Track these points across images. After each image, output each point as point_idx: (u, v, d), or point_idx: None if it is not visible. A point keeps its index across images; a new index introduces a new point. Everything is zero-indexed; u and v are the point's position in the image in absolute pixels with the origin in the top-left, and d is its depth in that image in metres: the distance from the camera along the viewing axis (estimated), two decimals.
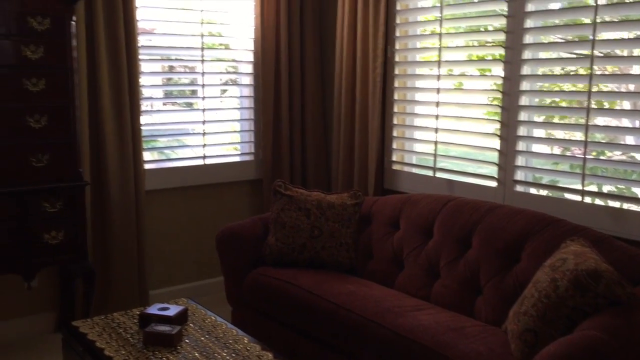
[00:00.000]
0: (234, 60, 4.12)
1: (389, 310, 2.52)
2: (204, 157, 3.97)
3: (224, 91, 4.18)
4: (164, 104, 4.02)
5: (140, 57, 3.54)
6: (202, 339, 2.31)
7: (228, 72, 4.15)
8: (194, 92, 4.02)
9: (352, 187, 3.76)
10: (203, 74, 3.90)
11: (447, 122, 3.43)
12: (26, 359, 3.13)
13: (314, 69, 4.16)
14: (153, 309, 2.42)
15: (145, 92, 3.75)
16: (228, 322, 2.48)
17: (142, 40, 3.60)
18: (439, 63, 3.40)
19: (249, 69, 4.10)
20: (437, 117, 3.44)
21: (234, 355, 2.17)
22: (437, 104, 3.43)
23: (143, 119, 3.60)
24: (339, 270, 3.06)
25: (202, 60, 3.88)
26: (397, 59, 3.67)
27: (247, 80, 4.13)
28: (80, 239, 3.08)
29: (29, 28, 2.83)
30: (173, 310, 2.42)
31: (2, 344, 3.23)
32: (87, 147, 3.34)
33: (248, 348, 2.23)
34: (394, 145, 3.75)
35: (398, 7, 3.62)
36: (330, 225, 3.08)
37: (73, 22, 3.00)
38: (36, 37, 2.85)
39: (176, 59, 3.99)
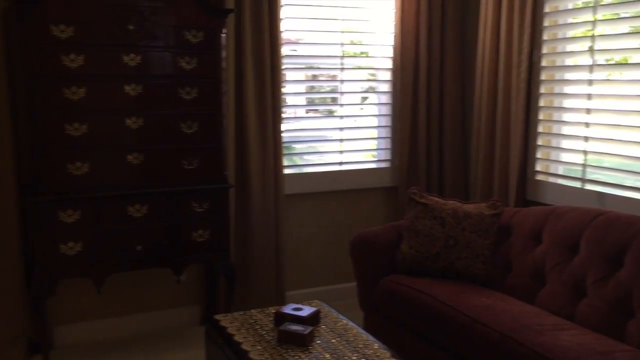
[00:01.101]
0: (372, 68, 4.15)
1: (528, 327, 2.39)
2: (341, 163, 4.04)
3: (365, 98, 4.23)
4: (307, 112, 4.16)
5: (284, 66, 3.70)
6: (333, 340, 2.34)
7: (367, 80, 4.20)
8: (334, 99, 4.11)
9: (491, 197, 3.62)
10: (342, 81, 3.98)
11: (599, 130, 3.19)
12: (172, 347, 3.37)
13: (454, 75, 4.07)
14: (287, 309, 2.50)
15: (289, 100, 3.90)
16: (359, 327, 2.49)
17: (286, 50, 3.75)
18: (591, 67, 3.18)
19: (388, 76, 4.11)
20: (587, 125, 3.21)
21: (363, 359, 2.18)
22: (588, 110, 3.21)
23: (284, 126, 3.75)
24: (474, 282, 2.95)
25: (342, 69, 3.96)
26: (543, 63, 3.48)
27: (385, 87, 4.15)
28: (223, 239, 3.27)
29: (184, 41, 3.06)
30: (306, 311, 2.48)
31: (152, 332, 3.52)
32: (232, 152, 3.54)
33: (378, 354, 2.23)
34: (538, 155, 3.55)
35: (547, 9, 3.44)
36: (466, 235, 2.99)
37: (223, 35, 3.19)
38: (191, 49, 3.08)
39: (318, 68, 4.10)
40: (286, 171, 3.82)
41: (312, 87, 4.19)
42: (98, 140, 2.94)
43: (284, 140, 3.78)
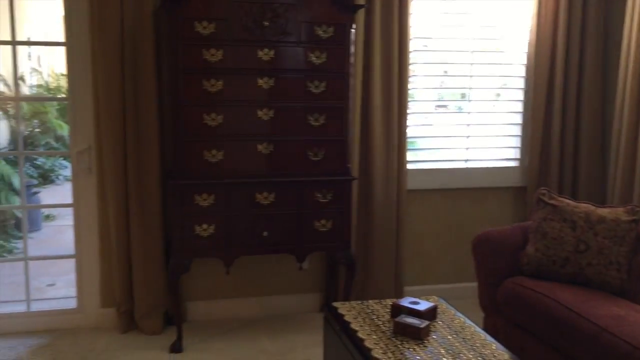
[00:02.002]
0: (505, 64, 4.02)
1: None
2: (467, 160, 3.96)
3: (498, 95, 4.11)
4: (436, 107, 4.12)
5: (412, 61, 3.70)
6: (449, 337, 2.32)
7: (498, 76, 4.07)
8: (463, 95, 4.04)
9: (631, 202, 3.38)
10: (472, 77, 3.90)
11: None
12: (294, 330, 3.51)
13: (594, 71, 3.84)
14: (405, 302, 2.51)
15: (417, 94, 3.89)
16: (477, 326, 2.45)
17: (415, 45, 3.74)
18: None
19: (521, 72, 3.96)
20: None
21: (480, 358, 2.14)
22: None
23: (410, 121, 3.75)
24: (606, 290, 2.78)
25: (472, 64, 3.88)
26: None
27: (518, 83, 4.00)
28: (345, 230, 3.34)
29: (315, 36, 3.16)
30: (423, 305, 2.48)
31: (274, 315, 3.69)
32: (357, 145, 3.60)
33: (495, 355, 2.18)
34: None
35: None
36: (599, 240, 2.82)
37: (353, 30, 3.26)
38: (321, 44, 3.17)
39: (447, 63, 4.05)
40: (410, 166, 3.82)
41: (442, 82, 4.14)
42: (232, 130, 3.13)
43: (409, 135, 3.78)
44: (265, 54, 3.11)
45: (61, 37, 3.37)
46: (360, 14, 3.46)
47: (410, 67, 3.71)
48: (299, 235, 3.27)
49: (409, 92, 3.72)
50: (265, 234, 3.20)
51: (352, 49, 3.28)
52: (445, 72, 4.11)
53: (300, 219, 3.26)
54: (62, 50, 3.37)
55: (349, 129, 3.32)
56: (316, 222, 3.27)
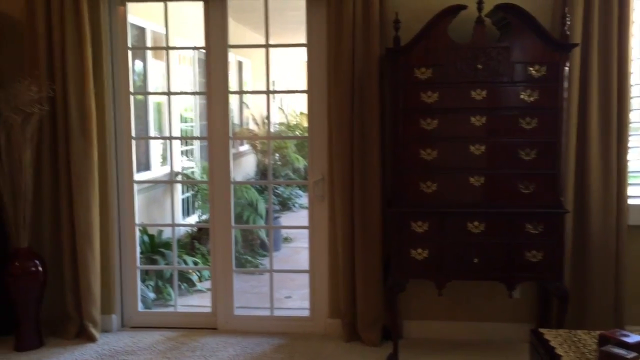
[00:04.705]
0: None
1: None
2: None
3: None
4: None
5: (635, 95, 3.64)
6: None
7: None
8: None
9: None
10: None
11: None
12: (504, 358, 3.64)
13: None
14: (615, 333, 2.53)
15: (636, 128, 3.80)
16: None
17: (636, 78, 3.68)
18: None
19: None
20: None
21: None
22: None
23: (631, 155, 3.67)
24: None
25: None
26: None
27: None
28: (557, 261, 3.40)
29: (527, 75, 3.34)
30: (634, 338, 2.47)
31: (484, 341, 3.85)
32: (571, 179, 3.64)
33: None
34: None
35: None
36: None
37: (566, 68, 3.36)
38: (532, 83, 3.34)
39: None
40: (632, 201, 3.72)
41: None
42: (445, 164, 3.44)
43: (632, 169, 3.70)
44: (478, 94, 3.38)
45: (299, 81, 4.03)
46: (576, 53, 3.53)
47: (632, 100, 3.65)
48: (509, 264, 3.42)
49: (630, 125, 3.66)
50: (475, 260, 3.42)
51: (566, 84, 3.38)
52: None
53: (510, 248, 3.41)
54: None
55: (562, 162, 3.40)
56: (527, 252, 3.39)
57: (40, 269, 3.80)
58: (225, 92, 3.99)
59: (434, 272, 3.48)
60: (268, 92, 4.15)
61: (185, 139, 7.93)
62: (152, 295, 4.95)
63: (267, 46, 4.04)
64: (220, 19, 3.92)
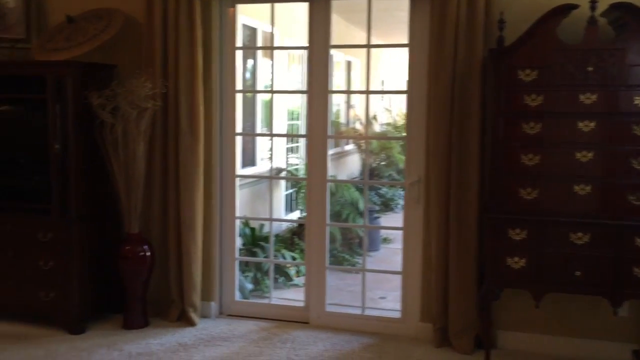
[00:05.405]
0: None
1: None
2: None
3: None
4: None
5: None
6: None
7: None
8: None
9: None
10: None
11: None
12: None
13: None
14: None
15: None
16: None
17: None
18: None
19: None
20: None
21: None
22: None
23: None
24: None
25: None
26: None
27: None
28: None
29: None
30: None
31: (581, 358, 3.62)
32: None
33: None
34: None
35: None
36: None
37: None
38: None
39: None
40: None
41: None
42: (548, 170, 3.28)
43: None
44: (587, 98, 3.20)
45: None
46: None
47: None
48: (615, 279, 3.21)
49: None
50: (577, 273, 3.24)
51: None
52: None
53: (617, 262, 3.20)
54: None
55: None
56: (635, 267, 3.17)
57: (148, 253, 4.07)
58: (326, 91, 4.05)
59: (531, 283, 3.34)
60: (368, 92, 4.17)
61: (286, 136, 8.13)
62: (249, 285, 5.15)
63: (368, 46, 4.06)
64: (324, 18, 3.98)
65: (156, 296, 4.23)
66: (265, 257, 5.33)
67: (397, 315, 4.13)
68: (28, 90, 4.01)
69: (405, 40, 3.89)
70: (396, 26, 7.76)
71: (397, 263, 6.06)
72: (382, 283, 5.51)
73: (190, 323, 4.12)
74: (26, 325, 4.09)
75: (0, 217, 4.06)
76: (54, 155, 3.87)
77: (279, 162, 7.77)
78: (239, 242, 4.69)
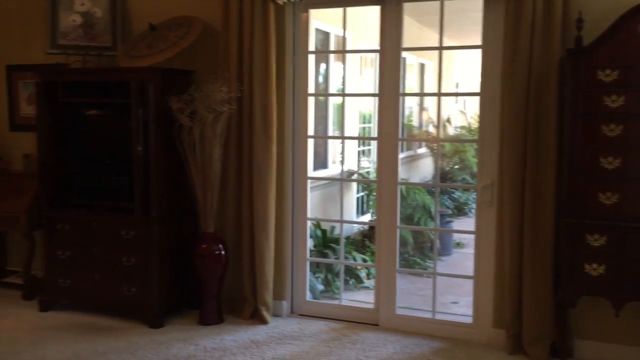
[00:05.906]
0: None
1: None
2: None
3: None
4: None
5: None
6: None
7: None
8: None
9: None
10: None
11: None
12: None
13: None
14: None
15: None
16: None
17: None
18: None
19: None
20: None
21: None
22: None
23: None
24: None
25: None
26: None
27: None
28: None
29: None
30: None
31: None
32: None
33: None
34: None
35: None
36: None
37: None
38: None
39: None
40: None
41: None
42: (631, 174, 3.15)
43: None
44: None
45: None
46: None
47: None
48: None
49: None
50: None
51: None
52: None
53: None
54: None
55: None
56: None
57: (223, 252, 4.20)
58: (397, 93, 4.05)
59: (611, 291, 3.22)
60: (439, 95, 4.13)
61: (357, 138, 8.15)
62: (320, 286, 5.21)
63: (440, 48, 4.03)
64: (396, 21, 3.98)
65: (230, 294, 4.35)
66: (336, 258, 5.37)
67: (469, 320, 4.07)
68: (113, 96, 4.24)
69: (479, 41, 3.83)
70: (470, 27, 7.64)
71: (469, 268, 5.95)
72: (454, 288, 5.43)
73: (263, 321, 4.22)
74: (110, 317, 4.32)
75: (87, 215, 4.31)
76: (136, 157, 4.07)
77: (351, 165, 7.81)
78: (310, 243, 4.76)
